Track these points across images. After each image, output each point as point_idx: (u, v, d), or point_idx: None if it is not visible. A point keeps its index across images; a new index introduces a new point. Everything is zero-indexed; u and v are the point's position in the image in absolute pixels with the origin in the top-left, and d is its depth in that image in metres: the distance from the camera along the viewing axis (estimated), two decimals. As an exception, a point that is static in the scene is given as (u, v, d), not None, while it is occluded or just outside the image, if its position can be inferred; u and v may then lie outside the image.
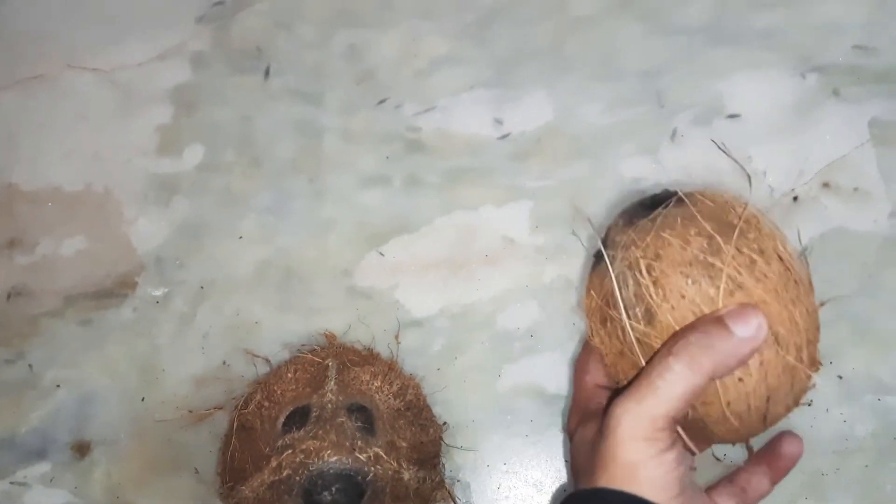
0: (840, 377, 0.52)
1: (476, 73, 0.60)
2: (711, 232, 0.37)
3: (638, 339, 0.37)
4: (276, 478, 0.44)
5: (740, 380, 0.36)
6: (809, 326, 0.37)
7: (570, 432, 0.43)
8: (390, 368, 0.51)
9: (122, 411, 0.55)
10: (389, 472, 0.45)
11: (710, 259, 0.36)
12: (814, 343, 0.38)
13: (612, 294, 0.38)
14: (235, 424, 0.49)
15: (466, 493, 0.52)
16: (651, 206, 0.41)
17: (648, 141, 0.58)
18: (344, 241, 0.57)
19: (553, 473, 0.53)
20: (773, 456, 0.42)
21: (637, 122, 0.58)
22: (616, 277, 0.38)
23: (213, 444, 0.53)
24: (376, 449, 0.45)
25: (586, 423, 0.41)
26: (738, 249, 0.37)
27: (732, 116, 0.58)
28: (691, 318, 0.36)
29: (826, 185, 0.56)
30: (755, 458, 0.43)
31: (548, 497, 0.52)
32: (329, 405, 0.46)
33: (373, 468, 0.44)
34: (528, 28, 0.60)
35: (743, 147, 0.57)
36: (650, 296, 0.37)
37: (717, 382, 0.36)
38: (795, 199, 0.56)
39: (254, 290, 0.57)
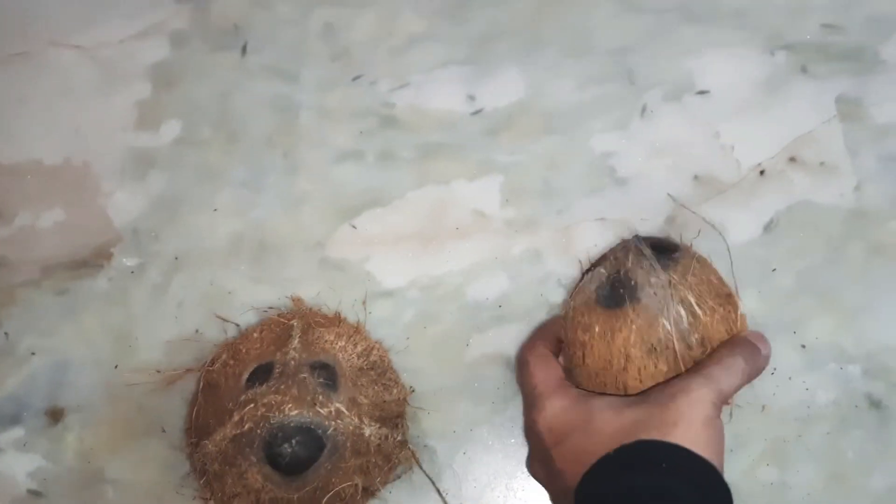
0: (803, 346, 0.53)
1: (451, 51, 0.61)
2: (719, 273, 0.49)
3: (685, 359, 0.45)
4: (238, 431, 0.44)
5: None
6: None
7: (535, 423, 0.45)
8: (356, 331, 0.52)
9: (96, 378, 0.55)
10: (350, 428, 0.45)
11: (726, 290, 0.48)
12: None
13: (658, 325, 0.45)
14: (202, 383, 0.50)
15: (433, 457, 0.53)
16: (660, 251, 0.48)
17: (619, 117, 0.58)
18: (317, 214, 0.58)
19: (518, 440, 0.53)
20: None
21: (608, 98, 0.59)
22: (665, 311, 0.45)
23: (184, 409, 0.54)
24: (338, 404, 0.45)
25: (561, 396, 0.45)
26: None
27: (702, 93, 0.58)
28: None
29: (793, 159, 0.56)
30: None
31: (512, 462, 0.53)
32: (292, 362, 0.47)
33: (333, 423, 0.45)
34: (504, 6, 0.61)
35: (712, 122, 0.58)
36: (705, 325, 0.45)
37: None
38: (762, 172, 0.56)
39: (228, 262, 0.57)
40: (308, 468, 0.45)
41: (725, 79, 0.59)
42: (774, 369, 0.52)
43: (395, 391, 0.50)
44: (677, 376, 0.44)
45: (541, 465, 0.46)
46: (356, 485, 0.46)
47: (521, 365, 0.49)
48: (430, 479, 0.52)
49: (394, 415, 0.50)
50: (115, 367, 0.55)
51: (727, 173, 0.57)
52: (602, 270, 0.49)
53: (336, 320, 0.52)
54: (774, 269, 0.54)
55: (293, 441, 0.44)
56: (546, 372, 0.47)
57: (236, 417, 0.45)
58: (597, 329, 0.46)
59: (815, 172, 0.56)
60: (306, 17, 0.62)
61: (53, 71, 0.63)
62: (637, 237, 0.50)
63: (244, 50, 0.62)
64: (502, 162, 0.58)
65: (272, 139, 0.60)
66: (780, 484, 0.51)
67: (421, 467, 0.52)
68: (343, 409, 0.45)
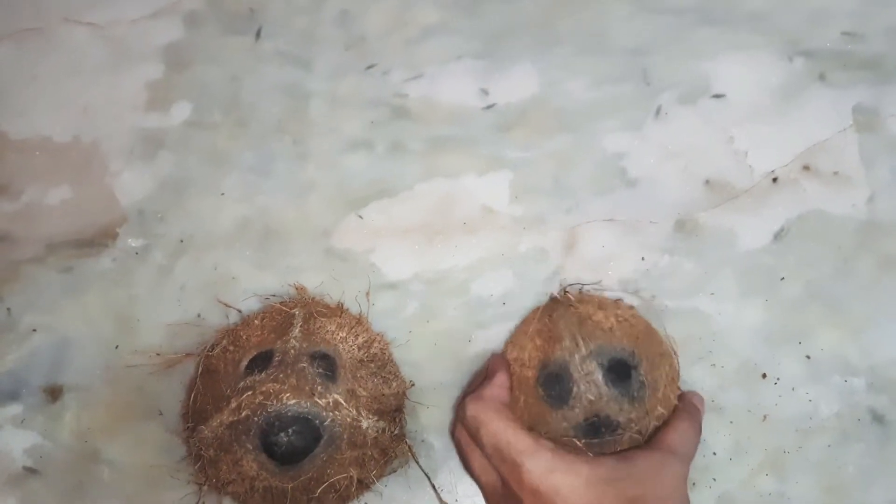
0: (808, 357, 0.52)
1: (465, 44, 0.60)
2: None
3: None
4: (235, 418, 0.44)
5: None
6: None
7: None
8: (358, 322, 0.51)
9: (96, 358, 0.55)
10: (348, 419, 0.45)
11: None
12: None
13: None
14: (200, 368, 0.50)
15: (430, 453, 0.53)
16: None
17: (633, 117, 0.58)
18: (324, 202, 0.58)
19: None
20: None
21: (622, 98, 0.58)
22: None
23: (182, 393, 0.54)
24: (336, 395, 0.45)
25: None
26: None
27: (717, 96, 0.58)
28: None
29: (806, 167, 0.56)
30: None
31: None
32: (292, 351, 0.47)
33: (331, 413, 0.44)
34: (519, 2, 0.60)
35: (726, 127, 0.57)
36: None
37: None
38: (775, 180, 0.56)
39: (232, 247, 0.57)
40: (304, 458, 0.45)
41: (742, 83, 0.58)
42: (778, 379, 0.52)
43: (394, 384, 0.50)
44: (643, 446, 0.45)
45: None
46: (351, 476, 0.46)
47: (480, 423, 0.44)
48: (426, 474, 0.52)
49: (392, 408, 0.49)
50: (116, 347, 0.55)
51: (739, 179, 0.56)
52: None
53: (338, 311, 0.52)
54: (783, 278, 0.54)
55: (290, 430, 0.44)
56: (515, 427, 0.43)
57: (234, 404, 0.45)
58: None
59: (829, 182, 0.55)
60: (321, 4, 0.62)
61: (65, 48, 0.62)
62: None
63: (258, 34, 0.61)
64: (513, 158, 0.58)
65: (282, 125, 0.59)
66: (779, 495, 0.51)
67: (417, 462, 0.52)
68: (341, 400, 0.45)
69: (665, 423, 0.46)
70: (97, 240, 0.57)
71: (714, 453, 0.52)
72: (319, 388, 0.45)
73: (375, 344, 0.51)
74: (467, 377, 0.54)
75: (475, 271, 0.56)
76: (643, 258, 0.55)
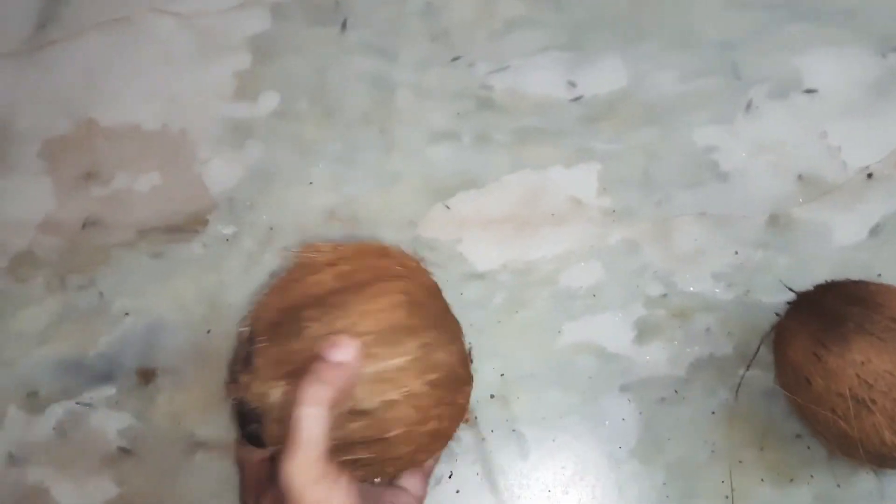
0: None
1: (551, 36, 0.60)
2: None
3: None
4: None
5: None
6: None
7: None
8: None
9: (188, 342, 0.56)
10: None
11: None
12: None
13: None
14: None
15: (522, 442, 0.53)
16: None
17: (722, 111, 0.57)
18: (410, 192, 0.58)
19: (609, 430, 0.53)
20: None
21: (712, 91, 0.58)
22: None
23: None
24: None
25: (264, 495, 0.42)
26: None
27: (809, 91, 0.57)
28: None
29: (902, 163, 0.55)
30: None
31: (601, 453, 0.52)
32: None
33: None
34: (605, -5, 0.60)
35: (818, 122, 0.57)
36: None
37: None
38: (870, 175, 0.55)
39: (320, 236, 0.58)
40: None
41: (834, 78, 0.57)
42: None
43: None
44: None
45: None
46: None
47: None
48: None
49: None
50: (208, 332, 0.56)
51: (833, 174, 0.56)
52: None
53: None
54: (879, 275, 0.53)
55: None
56: (246, 471, 0.44)
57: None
58: None
59: (926, 178, 0.55)
60: (407, -4, 0.62)
61: (153, 37, 0.63)
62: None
63: (344, 26, 0.62)
64: (601, 150, 0.58)
65: (368, 116, 0.60)
66: (880, 494, 0.50)
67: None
68: None
69: None
70: (187, 226, 0.58)
71: (808, 448, 0.51)
72: None
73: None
74: (556, 368, 0.54)
75: (564, 262, 0.56)
76: (736, 252, 0.55)
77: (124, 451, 0.54)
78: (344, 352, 0.38)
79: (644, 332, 0.54)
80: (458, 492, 0.53)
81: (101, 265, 0.58)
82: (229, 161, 0.59)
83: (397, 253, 0.45)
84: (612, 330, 0.54)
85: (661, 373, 0.53)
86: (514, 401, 0.53)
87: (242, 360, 0.41)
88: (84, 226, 0.59)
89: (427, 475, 0.47)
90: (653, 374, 0.53)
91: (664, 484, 0.52)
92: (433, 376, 0.40)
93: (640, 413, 0.53)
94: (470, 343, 0.48)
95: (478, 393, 0.54)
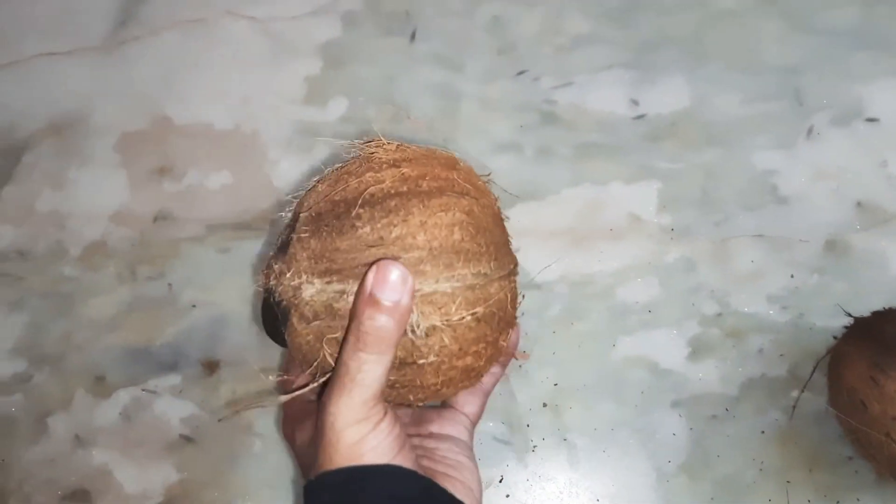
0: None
1: (616, 54, 0.61)
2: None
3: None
4: None
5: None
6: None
7: (290, 439, 0.42)
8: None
9: (251, 336, 0.58)
10: None
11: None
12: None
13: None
14: None
15: (572, 451, 0.54)
16: None
17: (784, 136, 0.58)
18: (472, 201, 0.59)
19: (659, 444, 0.54)
20: None
21: (773, 116, 0.59)
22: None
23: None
24: None
25: (302, 426, 0.41)
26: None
27: (871, 120, 0.58)
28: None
29: (963, 195, 0.55)
30: None
31: (651, 467, 0.53)
32: None
33: None
34: (670, 16, 0.61)
35: (880, 150, 0.57)
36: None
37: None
38: (930, 206, 0.55)
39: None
40: None
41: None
42: None
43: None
44: None
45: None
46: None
47: None
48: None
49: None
50: (272, 327, 0.57)
51: (891, 203, 0.56)
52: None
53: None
54: (936, 305, 0.54)
55: None
56: (288, 404, 0.42)
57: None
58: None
59: None
60: (475, 10, 0.63)
61: (227, 40, 0.65)
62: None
63: (413, 36, 0.63)
64: (662, 168, 0.59)
65: (433, 125, 0.61)
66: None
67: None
68: None
69: None
70: (256, 224, 0.60)
71: (856, 472, 0.52)
72: None
73: None
74: (609, 381, 0.55)
75: (621, 277, 0.57)
76: (792, 276, 0.55)
77: (186, 439, 0.56)
78: (400, 291, 0.34)
79: (698, 349, 0.55)
80: (507, 496, 0.54)
81: (171, 258, 0.60)
82: (298, 163, 0.61)
83: (467, 168, 0.41)
84: (665, 346, 0.55)
85: (712, 390, 0.54)
86: (567, 411, 0.55)
87: (279, 247, 0.38)
88: (155, 219, 0.61)
89: (486, 396, 0.45)
90: (705, 392, 0.54)
91: (712, 500, 0.53)
92: (481, 310, 0.36)
93: (691, 429, 0.54)
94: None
95: (530, 401, 0.55)
